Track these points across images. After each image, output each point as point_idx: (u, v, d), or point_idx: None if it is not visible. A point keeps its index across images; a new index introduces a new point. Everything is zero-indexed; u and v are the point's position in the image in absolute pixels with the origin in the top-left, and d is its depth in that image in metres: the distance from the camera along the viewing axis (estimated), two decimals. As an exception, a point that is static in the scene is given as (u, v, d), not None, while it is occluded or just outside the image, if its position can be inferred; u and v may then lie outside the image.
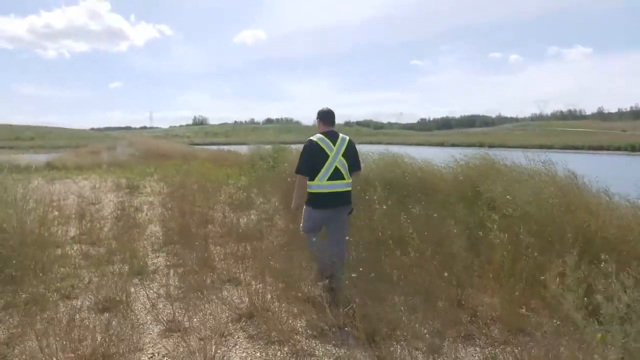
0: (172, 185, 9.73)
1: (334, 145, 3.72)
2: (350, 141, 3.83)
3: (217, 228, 5.82)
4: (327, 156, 3.68)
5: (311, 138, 3.78)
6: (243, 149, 19.14)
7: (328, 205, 3.71)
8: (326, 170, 3.66)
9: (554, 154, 7.64)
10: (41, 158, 17.68)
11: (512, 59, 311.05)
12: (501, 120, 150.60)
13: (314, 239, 3.69)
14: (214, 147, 22.95)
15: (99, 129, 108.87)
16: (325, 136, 3.74)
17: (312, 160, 3.69)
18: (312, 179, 3.71)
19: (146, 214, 7.10)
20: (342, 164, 3.72)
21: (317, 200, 3.71)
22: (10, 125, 63.47)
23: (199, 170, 12.48)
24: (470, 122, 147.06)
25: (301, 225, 3.93)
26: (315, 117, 3.96)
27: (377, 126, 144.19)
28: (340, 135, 3.82)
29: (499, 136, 68.47)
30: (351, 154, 3.81)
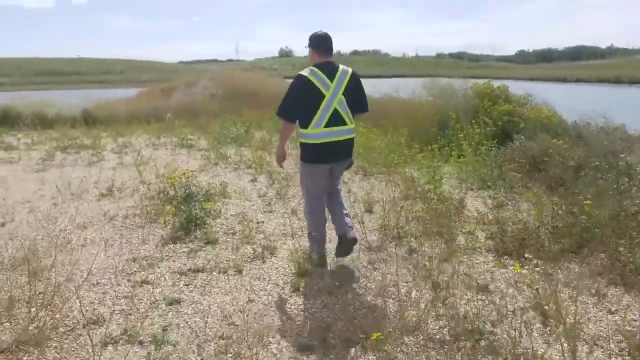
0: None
1: (332, 81, 2.85)
2: (353, 74, 2.96)
3: None
4: (323, 96, 2.83)
5: (301, 73, 2.89)
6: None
7: (328, 159, 2.93)
8: (322, 114, 2.83)
9: None
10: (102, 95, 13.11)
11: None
12: (613, 51, 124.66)
13: (320, 210, 3.03)
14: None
15: (187, 62, 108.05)
16: (320, 69, 2.85)
17: (302, 101, 2.84)
18: (304, 126, 2.88)
19: None
20: (342, 104, 2.88)
21: (314, 154, 2.91)
22: (98, 59, 62.78)
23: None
24: (576, 53, 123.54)
25: (303, 202, 3.29)
26: (307, 43, 2.96)
27: (471, 58, 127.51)
28: (341, 67, 2.93)
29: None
30: (355, 91, 2.96)
